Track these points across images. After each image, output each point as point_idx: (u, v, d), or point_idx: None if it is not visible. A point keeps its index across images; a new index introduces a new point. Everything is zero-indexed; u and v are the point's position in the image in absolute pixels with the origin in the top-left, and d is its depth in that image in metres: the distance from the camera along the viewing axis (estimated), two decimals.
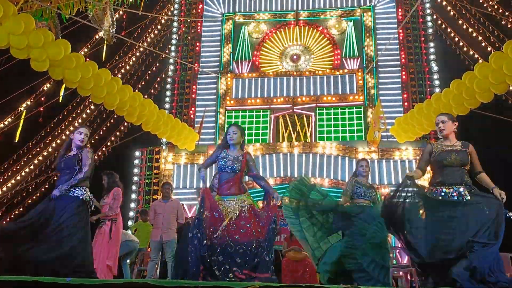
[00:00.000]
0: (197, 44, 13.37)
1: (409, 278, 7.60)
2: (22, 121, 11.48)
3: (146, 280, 4.73)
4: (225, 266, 4.07)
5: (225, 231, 4.24)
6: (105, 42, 10.86)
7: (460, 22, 14.18)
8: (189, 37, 13.47)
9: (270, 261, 4.20)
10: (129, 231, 9.26)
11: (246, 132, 4.92)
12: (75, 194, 4.55)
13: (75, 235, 4.39)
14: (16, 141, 11.47)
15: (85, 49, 13.56)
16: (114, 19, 9.90)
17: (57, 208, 4.46)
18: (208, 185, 4.59)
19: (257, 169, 4.70)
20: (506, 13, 13.36)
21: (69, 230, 4.38)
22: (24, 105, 12.71)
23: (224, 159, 4.56)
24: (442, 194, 4.18)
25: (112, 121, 14.14)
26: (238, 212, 4.35)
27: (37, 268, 4.13)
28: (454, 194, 4.16)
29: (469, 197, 4.13)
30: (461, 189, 4.17)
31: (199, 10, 13.71)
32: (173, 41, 13.59)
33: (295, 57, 13.08)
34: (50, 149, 13.43)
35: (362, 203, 5.63)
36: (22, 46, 6.74)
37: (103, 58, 11.75)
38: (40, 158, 13.35)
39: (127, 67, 14.55)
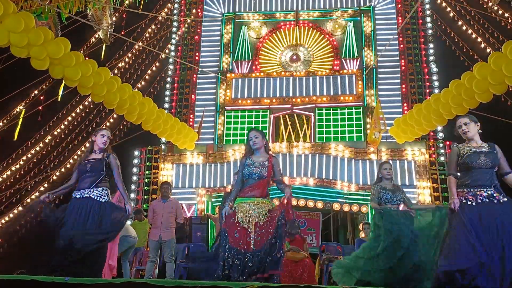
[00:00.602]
0: (197, 44, 13.37)
1: None
2: (21, 120, 11.45)
3: (145, 279, 4.72)
4: (241, 272, 4.07)
5: (242, 239, 4.23)
6: (103, 42, 10.85)
7: (460, 23, 14.20)
8: (189, 37, 13.47)
9: (281, 257, 4.18)
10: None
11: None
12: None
13: (98, 240, 4.45)
14: (15, 139, 11.43)
15: (84, 48, 13.54)
16: (113, 19, 9.88)
17: (87, 210, 4.51)
18: (228, 211, 4.46)
19: (281, 174, 4.64)
20: (506, 14, 13.36)
21: (95, 232, 4.45)
22: (23, 104, 12.70)
23: (250, 166, 4.51)
24: (471, 194, 4.08)
25: (111, 120, 14.12)
26: (256, 219, 4.31)
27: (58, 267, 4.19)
28: (485, 195, 4.06)
29: (503, 199, 4.04)
30: (491, 191, 4.08)
31: (199, 10, 13.71)
32: (173, 41, 13.58)
33: (294, 57, 13.08)
34: (49, 148, 13.41)
35: (389, 208, 5.62)
36: (22, 44, 6.74)
37: (102, 58, 11.74)
38: (39, 156, 13.33)
39: (127, 67, 14.54)
